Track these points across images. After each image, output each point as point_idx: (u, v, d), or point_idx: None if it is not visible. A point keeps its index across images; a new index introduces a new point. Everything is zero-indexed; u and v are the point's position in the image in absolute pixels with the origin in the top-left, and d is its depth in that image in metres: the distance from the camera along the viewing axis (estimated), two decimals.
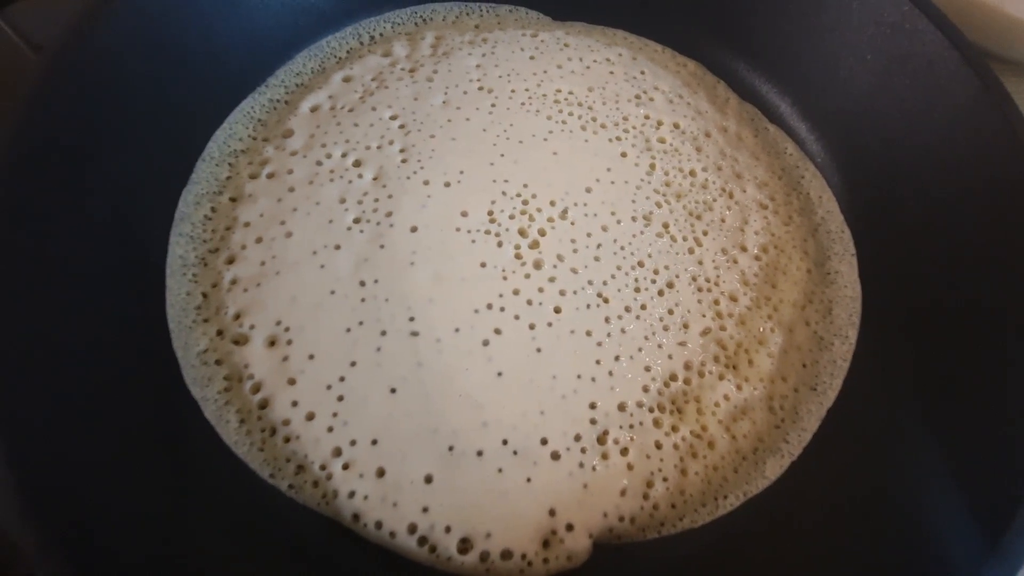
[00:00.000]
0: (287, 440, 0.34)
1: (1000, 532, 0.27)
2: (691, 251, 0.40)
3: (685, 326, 0.38)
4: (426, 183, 0.40)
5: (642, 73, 0.47)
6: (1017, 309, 0.34)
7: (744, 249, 0.42)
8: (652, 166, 0.43)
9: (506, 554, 0.32)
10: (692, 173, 0.43)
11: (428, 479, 0.33)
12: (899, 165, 0.41)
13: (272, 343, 0.36)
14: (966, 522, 0.29)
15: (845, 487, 0.35)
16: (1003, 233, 0.35)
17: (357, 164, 0.41)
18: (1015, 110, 0.36)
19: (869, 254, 0.43)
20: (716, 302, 0.39)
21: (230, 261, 0.38)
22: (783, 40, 0.48)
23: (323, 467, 0.33)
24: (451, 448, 0.33)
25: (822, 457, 0.36)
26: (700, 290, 0.39)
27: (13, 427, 0.26)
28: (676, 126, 0.45)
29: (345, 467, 0.33)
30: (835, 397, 0.38)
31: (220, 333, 0.37)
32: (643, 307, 0.38)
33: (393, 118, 0.43)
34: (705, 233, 0.41)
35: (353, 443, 0.34)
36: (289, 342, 0.36)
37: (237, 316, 0.37)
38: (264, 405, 0.35)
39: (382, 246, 0.38)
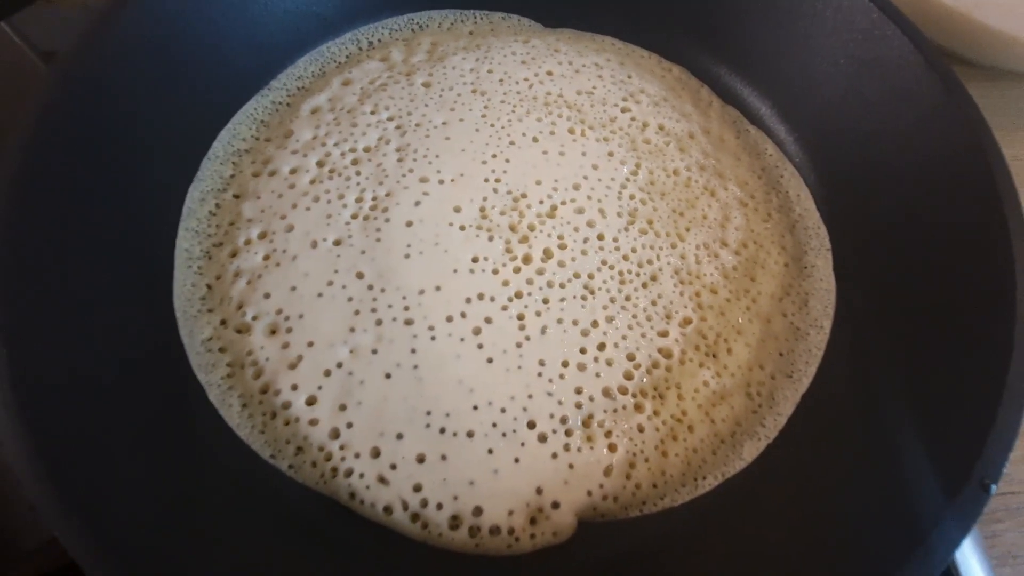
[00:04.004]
0: (287, 423, 0.36)
1: (955, 495, 0.29)
2: (674, 246, 0.42)
3: (668, 317, 0.40)
4: (421, 180, 0.42)
5: (629, 77, 0.49)
6: (980, 299, 0.36)
7: (725, 244, 0.43)
8: (638, 165, 0.45)
9: (494, 530, 0.34)
10: (676, 172, 0.45)
11: (421, 459, 0.35)
12: (870, 164, 0.43)
13: (273, 331, 0.38)
14: (928, 494, 0.30)
15: (817, 468, 0.36)
16: (965, 225, 0.37)
17: (355, 163, 0.43)
18: (975, 110, 0.38)
19: (843, 249, 0.44)
20: (697, 294, 0.41)
21: (233, 254, 0.40)
22: (763, 47, 0.50)
23: (321, 448, 0.35)
24: (443, 430, 0.35)
25: (797, 440, 0.38)
26: (682, 283, 0.41)
27: (36, 405, 0.28)
28: (661, 128, 0.47)
29: (342, 448, 0.35)
30: (809, 384, 0.40)
31: (224, 322, 0.38)
32: (627, 299, 0.40)
33: (390, 119, 0.45)
34: (688, 229, 0.43)
35: (350, 425, 0.35)
36: (289, 330, 0.38)
37: (240, 306, 0.39)
38: (265, 390, 0.36)
39: (379, 240, 0.40)
